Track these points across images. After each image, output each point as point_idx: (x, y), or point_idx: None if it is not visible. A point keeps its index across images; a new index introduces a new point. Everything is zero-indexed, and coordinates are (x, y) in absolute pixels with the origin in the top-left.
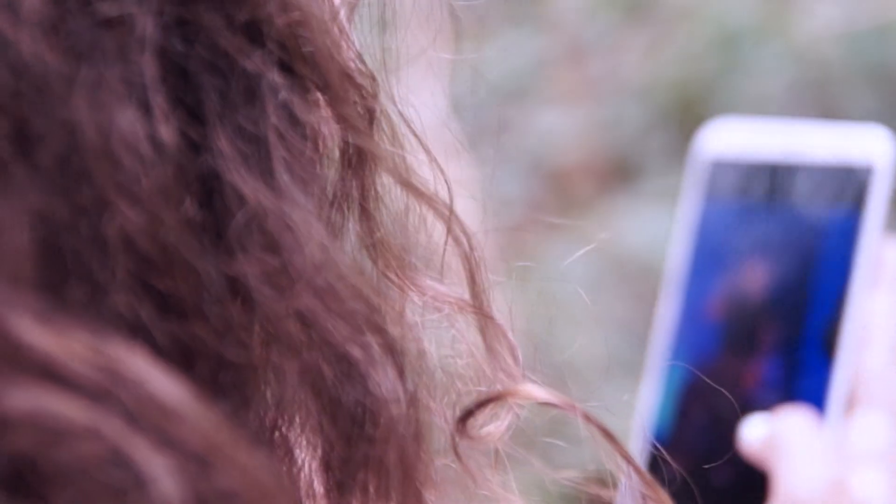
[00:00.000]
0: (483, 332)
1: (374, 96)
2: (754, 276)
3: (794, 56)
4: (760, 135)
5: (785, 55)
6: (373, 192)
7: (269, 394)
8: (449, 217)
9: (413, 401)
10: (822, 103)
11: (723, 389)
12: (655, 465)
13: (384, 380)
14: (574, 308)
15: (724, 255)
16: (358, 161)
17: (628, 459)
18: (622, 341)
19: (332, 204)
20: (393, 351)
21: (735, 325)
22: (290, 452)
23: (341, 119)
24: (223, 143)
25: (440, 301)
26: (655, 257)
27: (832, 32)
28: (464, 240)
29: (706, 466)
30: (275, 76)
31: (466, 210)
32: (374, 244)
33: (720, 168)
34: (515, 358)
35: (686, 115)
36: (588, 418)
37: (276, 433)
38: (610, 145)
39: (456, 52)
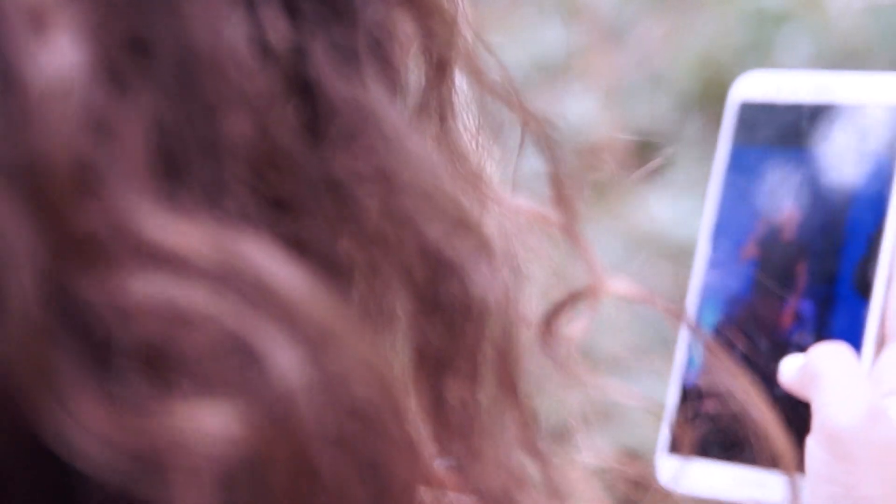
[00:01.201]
0: (564, 243)
1: (455, 13)
2: (788, 219)
3: (821, 31)
4: (794, 81)
5: (812, 31)
6: (452, 106)
7: (364, 290)
8: (537, 129)
9: (505, 297)
10: None
11: (756, 329)
12: (688, 405)
13: (477, 277)
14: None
15: (757, 197)
16: (440, 73)
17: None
18: (645, 321)
19: (418, 113)
20: (485, 250)
21: (769, 266)
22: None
23: (427, 31)
24: (319, 53)
25: (519, 213)
26: (683, 237)
27: (858, 6)
28: (548, 152)
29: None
30: None
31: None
32: (454, 155)
33: (753, 112)
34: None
35: (714, 96)
36: (668, 310)
37: (372, 328)
38: (637, 128)
39: (484, 37)
